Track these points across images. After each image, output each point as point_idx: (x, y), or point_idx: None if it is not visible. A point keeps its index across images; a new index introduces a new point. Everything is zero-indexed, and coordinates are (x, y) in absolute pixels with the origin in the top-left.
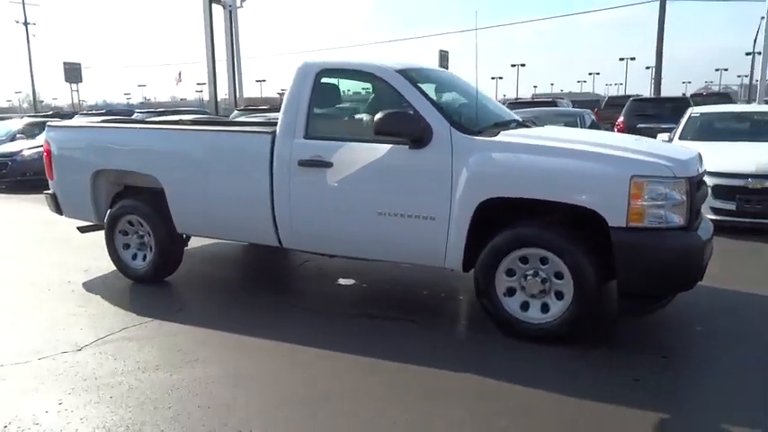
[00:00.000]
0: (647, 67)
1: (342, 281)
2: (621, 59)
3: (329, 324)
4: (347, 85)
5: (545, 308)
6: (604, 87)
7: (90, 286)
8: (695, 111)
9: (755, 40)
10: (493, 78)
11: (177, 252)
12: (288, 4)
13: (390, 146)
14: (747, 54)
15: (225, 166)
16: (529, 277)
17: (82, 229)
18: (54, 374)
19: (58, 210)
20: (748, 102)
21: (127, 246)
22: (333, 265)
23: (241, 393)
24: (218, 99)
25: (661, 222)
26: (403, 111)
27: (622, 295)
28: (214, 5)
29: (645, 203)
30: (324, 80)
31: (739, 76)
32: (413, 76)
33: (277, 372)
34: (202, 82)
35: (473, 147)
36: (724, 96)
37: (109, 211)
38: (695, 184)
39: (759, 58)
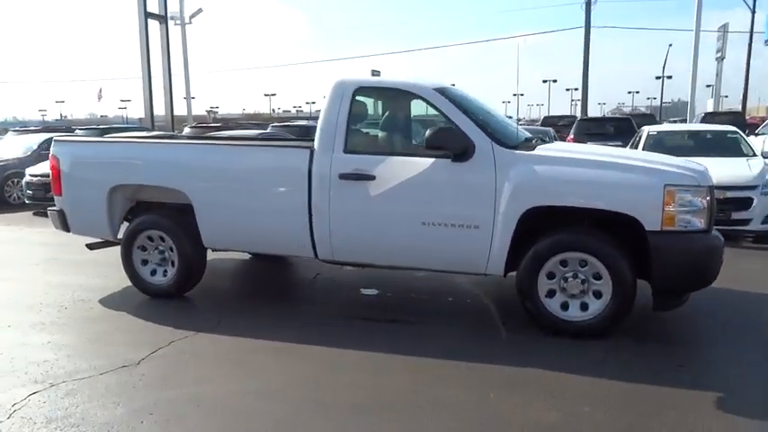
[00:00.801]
0: (567, 89)
1: (365, 291)
2: (545, 81)
3: (374, 331)
4: (383, 103)
5: (584, 307)
6: (527, 108)
7: (108, 303)
8: (652, 129)
9: (664, 66)
10: None
11: (201, 266)
12: (217, 20)
13: (433, 159)
14: (657, 78)
15: (260, 181)
16: (569, 279)
17: (91, 246)
18: (126, 388)
19: (66, 227)
20: (660, 122)
21: (145, 261)
22: (348, 277)
23: (328, 396)
24: (147, 116)
25: (688, 226)
26: (450, 127)
27: (656, 293)
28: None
29: (675, 209)
30: (360, 97)
31: (648, 98)
32: (449, 94)
33: (349, 375)
34: (126, 98)
35: (515, 160)
36: (648, 117)
37: (126, 226)
38: (712, 193)
39: (670, 81)
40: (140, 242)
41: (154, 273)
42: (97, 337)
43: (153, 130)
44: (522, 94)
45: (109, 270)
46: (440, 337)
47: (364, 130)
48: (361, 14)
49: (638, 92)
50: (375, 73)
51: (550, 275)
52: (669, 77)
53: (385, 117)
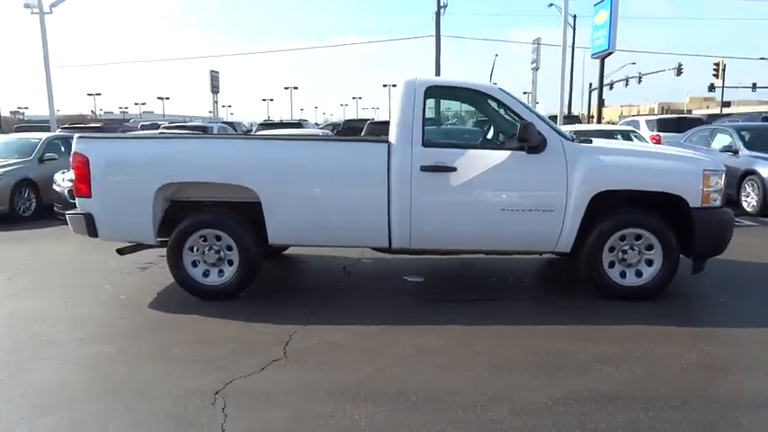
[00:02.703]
0: None
1: (410, 278)
2: (385, 86)
3: (457, 310)
4: (451, 101)
5: (638, 274)
6: (362, 111)
7: (163, 308)
8: (570, 129)
9: (492, 74)
10: (264, 100)
11: (260, 264)
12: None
13: (510, 152)
14: None
15: (335, 175)
16: (628, 251)
17: (123, 251)
18: (309, 374)
19: (92, 231)
20: None
21: (195, 263)
22: (378, 267)
23: (490, 360)
24: None
25: (714, 203)
26: (532, 123)
27: (695, 259)
28: None
29: (709, 189)
30: (432, 95)
31: None
32: (511, 95)
33: (482, 344)
34: None
35: (581, 152)
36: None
37: (179, 226)
38: (724, 176)
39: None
40: (191, 243)
41: (206, 274)
42: (200, 339)
43: None
44: (360, 98)
45: (108, 278)
46: (519, 310)
47: (438, 125)
48: (191, 13)
49: None
50: (214, 73)
51: (611, 249)
52: (495, 84)
53: (455, 114)
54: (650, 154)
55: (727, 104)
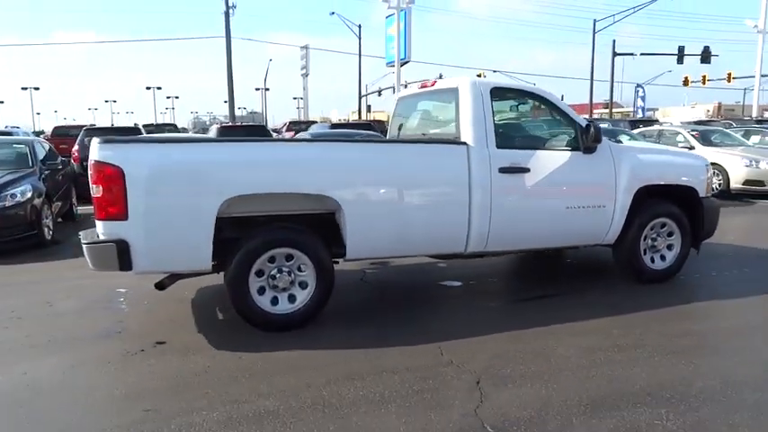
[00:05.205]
0: (168, 97)
1: (447, 283)
2: (149, 88)
3: (506, 311)
4: (509, 103)
5: (663, 258)
6: (116, 116)
7: (231, 346)
8: None
9: (266, 78)
10: None
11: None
12: None
13: (571, 152)
14: (257, 89)
15: (418, 180)
16: (657, 239)
17: (162, 285)
18: (535, 396)
19: (124, 263)
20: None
21: (261, 289)
22: (399, 273)
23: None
24: None
25: (709, 193)
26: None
27: (699, 241)
28: None
29: (708, 181)
30: (496, 97)
31: (239, 108)
32: (559, 99)
33: (581, 338)
34: None
35: (623, 151)
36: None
37: (245, 248)
38: None
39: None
40: (259, 266)
41: (275, 301)
42: (349, 376)
43: None
44: (114, 101)
45: (96, 324)
46: (576, 303)
47: (506, 127)
48: None
49: (226, 101)
50: None
51: (644, 238)
52: (267, 90)
53: (516, 115)
54: (667, 152)
55: None
